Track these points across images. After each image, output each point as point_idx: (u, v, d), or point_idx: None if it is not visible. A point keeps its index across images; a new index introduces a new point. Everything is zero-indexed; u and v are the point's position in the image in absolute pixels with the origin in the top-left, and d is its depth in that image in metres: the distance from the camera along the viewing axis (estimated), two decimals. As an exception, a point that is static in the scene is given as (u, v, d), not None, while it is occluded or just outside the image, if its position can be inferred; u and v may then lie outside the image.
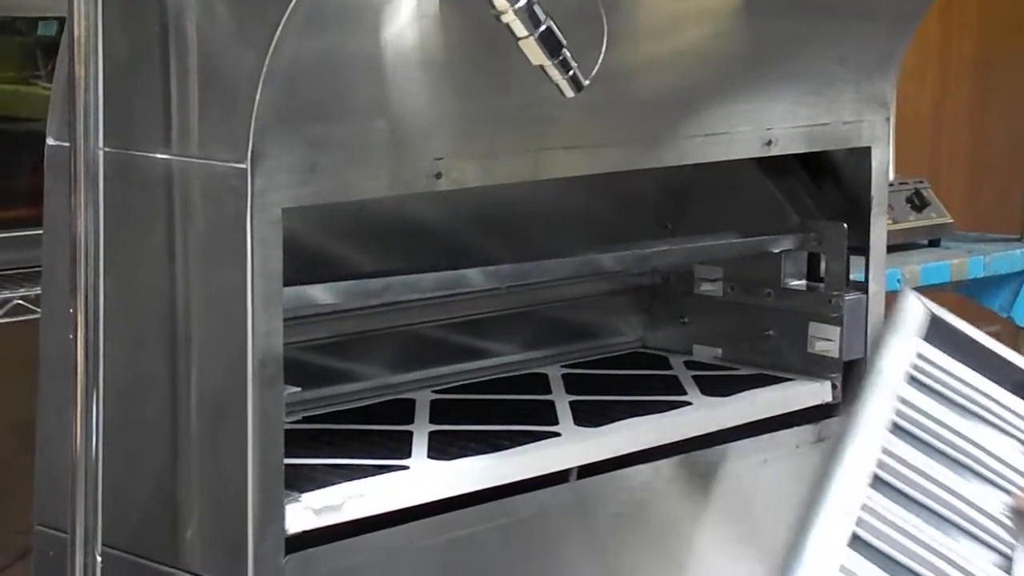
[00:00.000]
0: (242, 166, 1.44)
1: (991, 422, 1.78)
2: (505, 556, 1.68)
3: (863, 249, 2.02)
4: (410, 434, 1.73)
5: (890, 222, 2.75)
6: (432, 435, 1.73)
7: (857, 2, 1.92)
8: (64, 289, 1.50)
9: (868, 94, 1.98)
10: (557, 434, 1.76)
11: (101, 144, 1.49)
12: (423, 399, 1.85)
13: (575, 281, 2.05)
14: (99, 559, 1.49)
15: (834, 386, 1.99)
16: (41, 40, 2.38)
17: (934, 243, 3.06)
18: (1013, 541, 1.61)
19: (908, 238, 3.00)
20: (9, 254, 2.24)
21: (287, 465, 1.48)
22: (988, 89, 3.86)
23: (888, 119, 2.02)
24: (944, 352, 1.82)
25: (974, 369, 1.83)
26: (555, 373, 1.99)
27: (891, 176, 2.70)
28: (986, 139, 3.87)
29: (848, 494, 1.56)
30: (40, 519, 1.61)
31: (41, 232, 1.62)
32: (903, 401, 1.70)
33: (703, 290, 2.12)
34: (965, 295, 3.12)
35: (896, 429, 1.67)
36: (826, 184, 2.02)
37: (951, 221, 3.08)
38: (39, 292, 1.67)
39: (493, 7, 1.47)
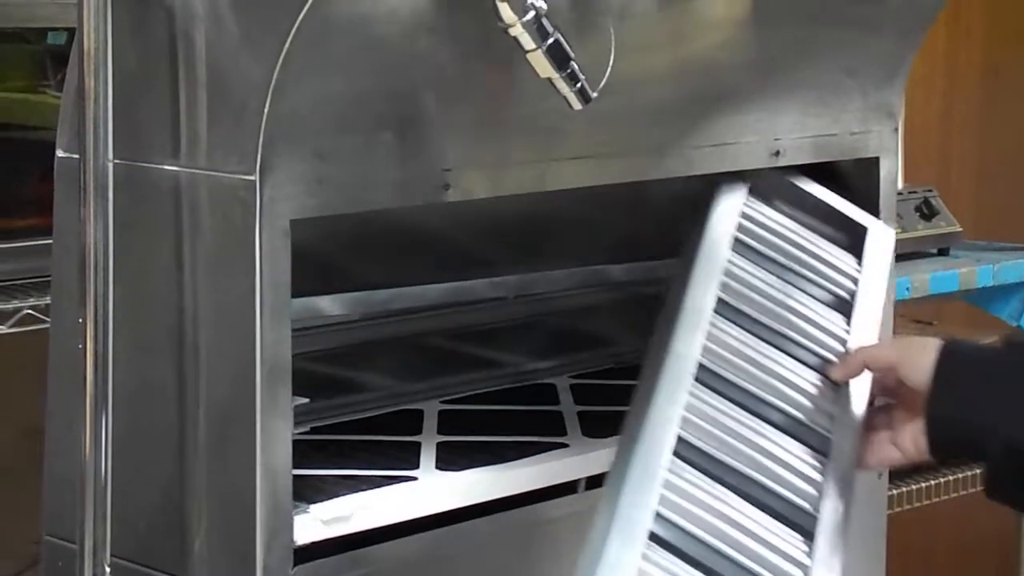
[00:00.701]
0: (251, 178, 1.44)
1: (814, 280, 1.78)
2: (513, 567, 1.68)
3: (871, 259, 2.02)
4: (418, 445, 1.73)
5: (899, 231, 2.75)
6: (440, 446, 1.73)
7: (864, 12, 1.92)
8: (73, 299, 1.51)
9: (875, 104, 1.99)
10: (565, 445, 1.76)
11: (111, 156, 1.50)
12: (431, 410, 1.85)
13: (583, 291, 2.06)
14: (108, 569, 1.50)
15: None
16: (50, 49, 2.39)
17: (943, 252, 3.06)
18: (830, 419, 1.62)
19: (917, 247, 3.00)
20: (19, 263, 2.25)
21: (295, 476, 1.49)
22: (996, 97, 3.85)
23: (896, 129, 2.02)
24: (769, 205, 1.82)
25: (799, 221, 1.83)
26: (563, 383, 1.99)
27: (899, 185, 2.70)
28: (995, 147, 3.86)
29: (673, 394, 1.56)
30: (49, 529, 1.61)
31: (51, 242, 1.62)
32: (729, 274, 1.71)
33: (710, 300, 2.12)
34: (974, 304, 3.12)
35: (721, 306, 1.67)
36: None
37: (960, 230, 3.08)
38: (49, 302, 1.67)
39: (501, 20, 1.47)
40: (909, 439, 1.62)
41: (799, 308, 1.74)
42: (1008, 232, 3.30)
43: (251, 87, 1.45)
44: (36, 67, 2.40)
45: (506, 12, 1.47)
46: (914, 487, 2.81)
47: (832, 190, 2.00)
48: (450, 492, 1.63)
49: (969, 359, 1.61)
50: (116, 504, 1.50)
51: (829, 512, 1.54)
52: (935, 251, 3.05)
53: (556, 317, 2.05)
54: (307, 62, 1.44)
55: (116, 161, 1.50)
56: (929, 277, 2.89)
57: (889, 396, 1.66)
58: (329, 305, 1.76)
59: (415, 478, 1.63)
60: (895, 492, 2.74)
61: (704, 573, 1.43)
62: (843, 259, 1.86)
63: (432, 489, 1.62)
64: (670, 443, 1.51)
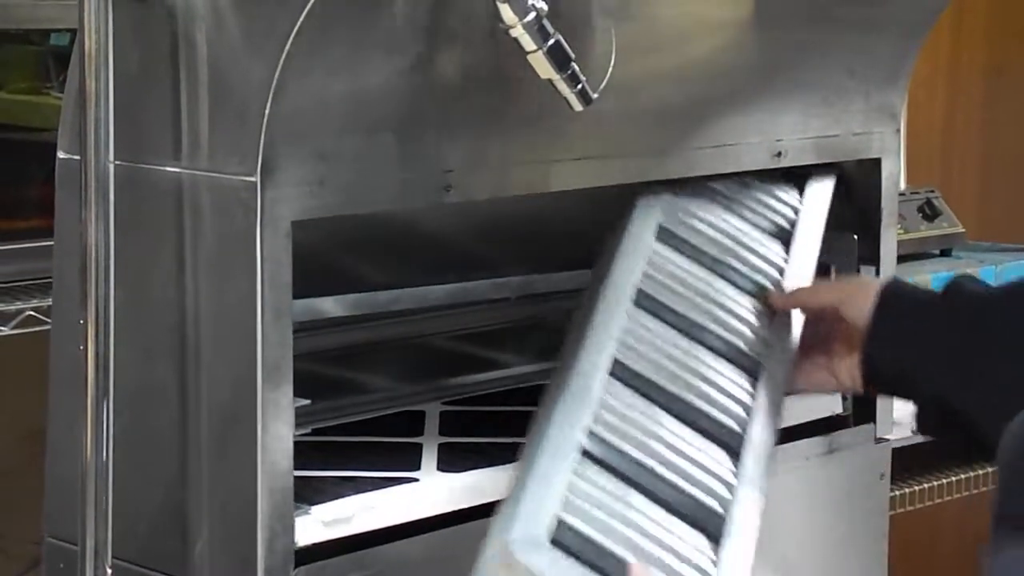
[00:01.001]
0: (252, 179, 1.44)
1: (756, 211, 1.84)
2: (514, 568, 1.68)
3: (873, 259, 2.02)
4: (419, 446, 1.73)
5: (901, 232, 2.74)
6: (442, 447, 1.73)
7: (866, 13, 1.92)
8: (74, 301, 1.51)
9: (878, 105, 1.99)
10: (567, 446, 1.76)
11: (112, 157, 1.50)
12: (432, 411, 1.85)
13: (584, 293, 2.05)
14: (109, 571, 1.50)
15: (844, 398, 1.99)
16: (53, 50, 2.39)
17: (945, 253, 3.05)
18: (764, 345, 1.68)
19: (919, 248, 2.99)
20: (21, 265, 2.25)
21: (296, 477, 1.49)
22: (999, 97, 3.85)
23: (898, 130, 2.02)
24: None
25: None
26: (565, 384, 1.99)
27: (902, 186, 2.70)
28: (998, 148, 3.86)
29: (611, 316, 1.60)
30: (50, 531, 1.61)
31: (53, 243, 1.62)
32: (670, 203, 1.76)
33: (712, 301, 2.12)
34: (977, 304, 3.11)
35: (662, 232, 1.73)
36: (835, 195, 2.01)
37: (963, 231, 3.07)
38: (51, 303, 1.67)
39: (502, 21, 1.47)
40: (845, 371, 1.70)
41: (739, 236, 1.79)
42: (1011, 233, 3.30)
43: (252, 88, 1.45)
44: (39, 68, 2.41)
45: (507, 13, 1.47)
46: (916, 488, 2.80)
47: (833, 191, 2.00)
48: (451, 494, 1.62)
49: (907, 303, 1.67)
50: (117, 505, 1.50)
51: (757, 432, 1.59)
52: (937, 252, 3.05)
53: (558, 318, 2.05)
54: (308, 63, 1.44)
55: (117, 163, 1.50)
56: (931, 278, 2.88)
57: (830, 328, 1.72)
58: (330, 306, 1.76)
59: (416, 479, 1.63)
60: (897, 493, 2.74)
61: (633, 487, 1.47)
62: (786, 191, 1.90)
63: (433, 490, 1.62)
64: (606, 364, 1.55)
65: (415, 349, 1.91)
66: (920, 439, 2.38)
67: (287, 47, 1.42)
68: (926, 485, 2.82)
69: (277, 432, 1.46)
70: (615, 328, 1.60)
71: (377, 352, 1.87)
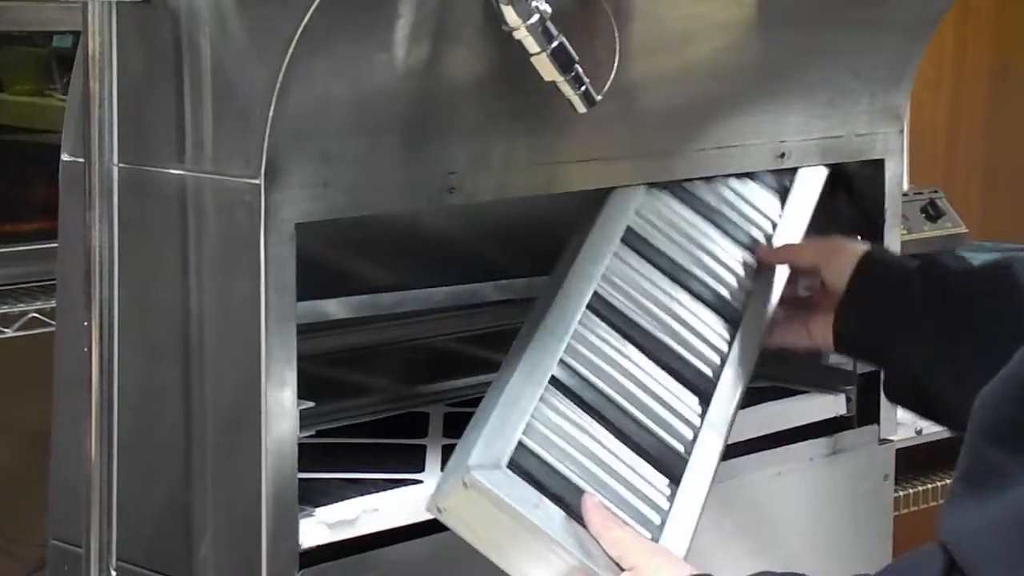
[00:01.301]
0: (256, 181, 1.44)
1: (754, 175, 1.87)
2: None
3: (876, 260, 2.02)
4: (423, 448, 1.73)
5: (905, 232, 2.75)
6: (446, 449, 1.73)
7: (870, 14, 1.92)
8: (78, 303, 1.51)
9: (882, 106, 1.98)
10: (569, 447, 1.76)
11: (115, 160, 1.50)
12: (436, 412, 1.85)
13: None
14: (113, 573, 1.50)
15: (848, 399, 1.99)
16: (57, 52, 2.39)
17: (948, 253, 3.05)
18: (746, 295, 1.72)
19: (923, 248, 2.99)
20: (25, 267, 2.25)
21: (301, 479, 1.49)
22: (1003, 99, 3.85)
23: (902, 131, 2.02)
24: None
25: None
26: (568, 386, 1.99)
27: (905, 186, 2.70)
28: (1002, 149, 3.86)
29: (597, 253, 1.63)
30: (55, 533, 1.61)
31: (56, 245, 1.62)
32: None
33: (716, 302, 2.13)
34: (980, 305, 3.10)
35: (656, 183, 1.75)
36: (838, 196, 2.01)
37: (966, 231, 3.07)
38: (55, 305, 1.67)
39: (505, 23, 1.48)
40: (820, 331, 1.74)
41: (739, 188, 1.82)
42: (1014, 233, 3.30)
43: (256, 90, 1.45)
44: (43, 70, 2.41)
45: (511, 15, 1.47)
46: (920, 488, 2.81)
47: (836, 192, 2.00)
48: (455, 495, 1.62)
49: (884, 272, 1.71)
50: (122, 508, 1.50)
51: (729, 380, 1.63)
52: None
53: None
54: (312, 65, 1.44)
55: (121, 165, 1.50)
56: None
57: (811, 287, 1.77)
58: (334, 308, 1.76)
59: (420, 481, 1.63)
60: (901, 494, 2.74)
61: (596, 418, 1.51)
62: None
63: (437, 492, 1.62)
64: (586, 298, 1.58)
65: (419, 351, 1.91)
66: (924, 440, 2.38)
67: (291, 49, 1.42)
68: (930, 486, 2.82)
69: (281, 434, 1.46)
70: (600, 264, 1.62)
71: (381, 354, 1.87)
